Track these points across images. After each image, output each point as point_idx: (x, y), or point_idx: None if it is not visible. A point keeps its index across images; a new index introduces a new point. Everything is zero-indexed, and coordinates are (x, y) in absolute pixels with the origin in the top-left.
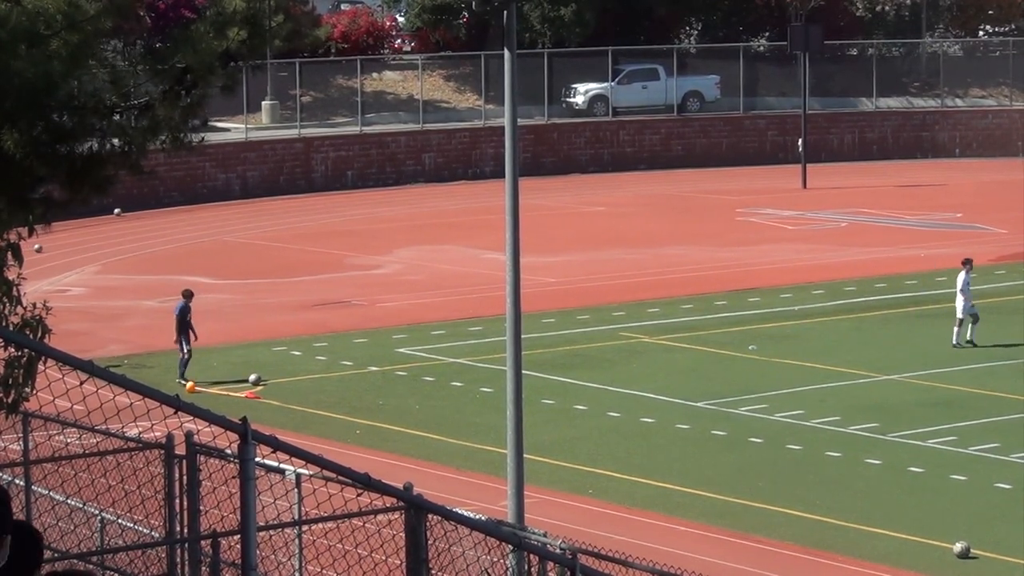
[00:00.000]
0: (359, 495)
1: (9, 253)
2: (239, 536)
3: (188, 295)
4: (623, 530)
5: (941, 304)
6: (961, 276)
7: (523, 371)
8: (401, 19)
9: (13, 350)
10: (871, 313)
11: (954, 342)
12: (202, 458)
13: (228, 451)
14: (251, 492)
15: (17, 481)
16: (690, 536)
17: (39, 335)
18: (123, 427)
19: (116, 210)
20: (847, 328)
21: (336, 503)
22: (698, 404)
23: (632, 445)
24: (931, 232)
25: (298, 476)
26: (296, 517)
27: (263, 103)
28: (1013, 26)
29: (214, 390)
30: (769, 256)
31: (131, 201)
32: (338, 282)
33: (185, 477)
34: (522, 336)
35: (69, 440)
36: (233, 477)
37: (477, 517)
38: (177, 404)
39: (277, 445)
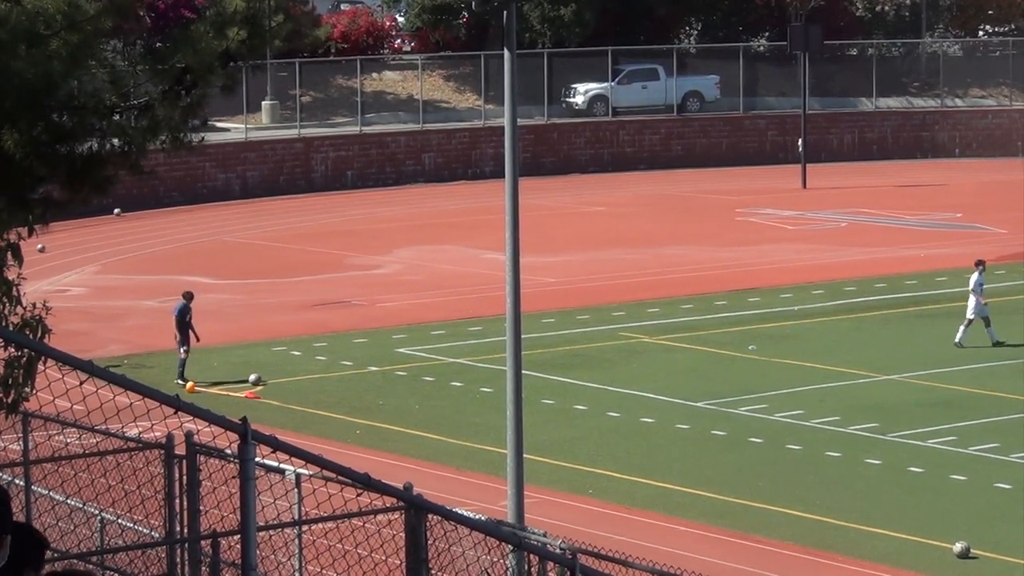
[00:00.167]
0: (359, 495)
1: (9, 253)
2: (239, 536)
3: (188, 297)
4: (623, 530)
5: (941, 304)
6: (974, 277)
7: (523, 371)
8: (401, 19)
9: (13, 350)
10: (871, 313)
11: (956, 339)
12: (202, 458)
13: (228, 451)
14: (251, 492)
15: (17, 481)
16: (690, 536)
17: (39, 335)
18: (123, 427)
19: (116, 210)
20: (847, 328)
21: (336, 503)
22: (698, 404)
23: (632, 445)
24: (931, 232)
25: (298, 476)
26: (296, 517)
27: (263, 103)
28: (1013, 26)
29: (214, 390)
30: (769, 256)
31: (131, 201)
32: (338, 282)
33: (185, 477)
34: (522, 336)
35: (69, 440)
36: (233, 477)
37: (477, 517)
38: (177, 404)
39: (277, 445)
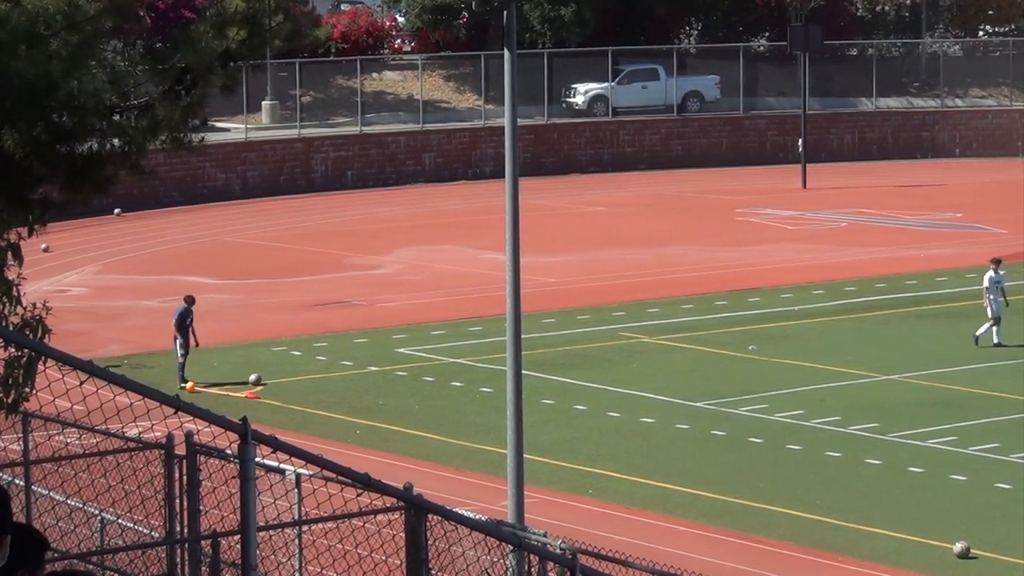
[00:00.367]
0: (359, 495)
1: (9, 253)
2: (239, 536)
3: (190, 301)
4: (623, 530)
5: (941, 304)
6: (988, 275)
7: (523, 371)
8: (401, 19)
9: (13, 350)
10: (871, 313)
11: (995, 341)
12: (202, 458)
13: (228, 451)
14: (251, 492)
15: (17, 481)
16: (690, 536)
17: (39, 335)
18: (123, 427)
19: (116, 210)
20: (847, 328)
21: (336, 503)
22: (698, 404)
23: (632, 445)
24: (931, 232)
25: (298, 476)
26: (296, 517)
27: (263, 103)
28: (1013, 26)
29: (214, 390)
30: (769, 256)
31: (131, 201)
32: (338, 282)
33: (185, 477)
34: (522, 336)
35: (69, 440)
36: (233, 477)
37: (477, 517)
38: (177, 404)
39: (277, 445)
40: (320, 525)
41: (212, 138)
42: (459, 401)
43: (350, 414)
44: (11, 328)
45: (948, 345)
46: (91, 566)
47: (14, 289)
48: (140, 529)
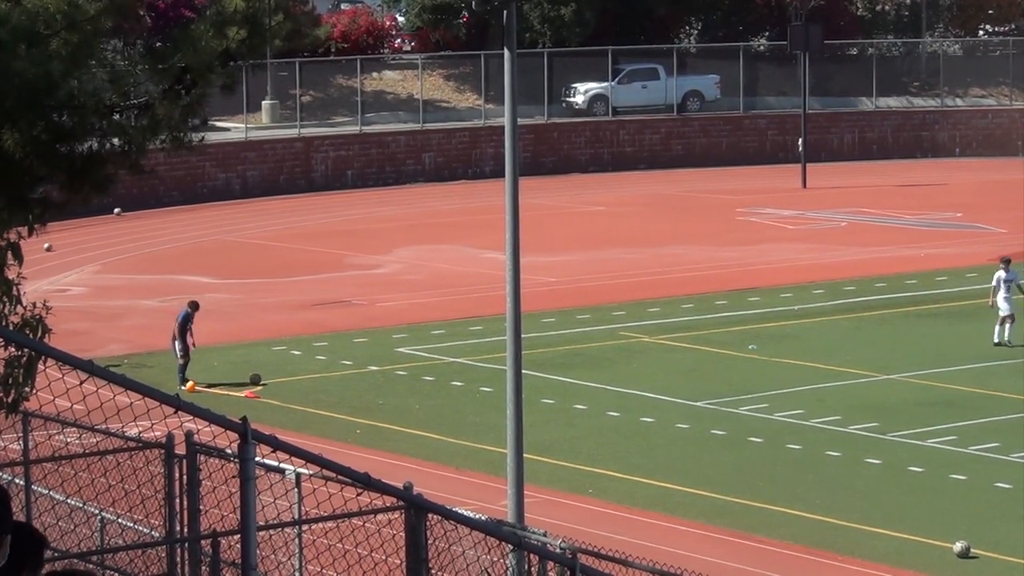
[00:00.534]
0: (359, 495)
1: (9, 253)
2: (239, 536)
3: (194, 306)
4: (623, 530)
5: (941, 304)
6: (999, 274)
7: (523, 371)
8: (401, 19)
9: (13, 349)
10: (871, 313)
11: (999, 339)
12: (202, 458)
13: (228, 451)
14: (251, 492)
15: (17, 481)
16: (690, 536)
17: (39, 335)
18: (123, 427)
19: (116, 210)
20: (847, 328)
21: (336, 503)
22: (698, 404)
23: (632, 445)
24: (931, 232)
25: (298, 476)
26: (296, 517)
27: (263, 103)
28: (1013, 26)
29: (214, 390)
30: (769, 256)
31: (131, 201)
32: (338, 282)
33: (185, 477)
34: (522, 336)
35: (69, 440)
36: (233, 477)
37: (477, 517)
38: (177, 404)
39: (277, 445)
40: (320, 524)
41: (212, 137)
42: (459, 401)
43: (350, 414)
44: (11, 328)
45: (948, 345)
46: (91, 566)
47: (14, 288)
48: (140, 529)
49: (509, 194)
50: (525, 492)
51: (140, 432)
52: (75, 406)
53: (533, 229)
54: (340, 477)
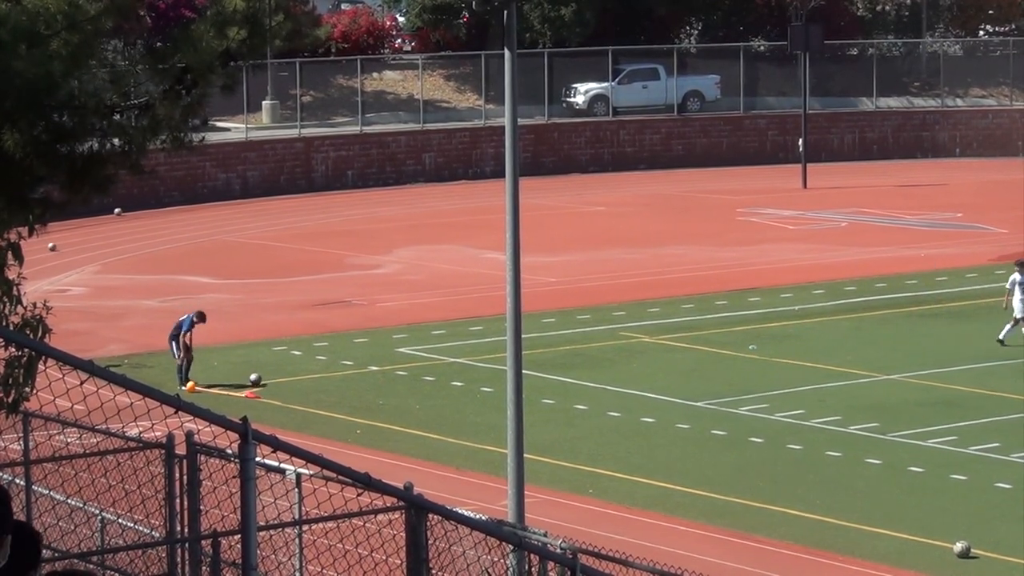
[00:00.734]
0: (359, 495)
1: (9, 253)
2: (239, 536)
3: (201, 317)
4: (623, 530)
5: (942, 304)
6: (1014, 276)
7: (523, 371)
8: (401, 19)
9: (13, 350)
10: (871, 313)
11: (1002, 336)
12: (202, 458)
13: (228, 451)
14: (251, 492)
15: (17, 481)
16: (690, 536)
17: (39, 335)
18: (123, 427)
19: (116, 210)
20: (847, 328)
21: (336, 503)
22: (698, 404)
23: (632, 445)
24: (931, 232)
25: (298, 476)
26: (296, 517)
27: (263, 103)
28: (1013, 26)
29: (214, 390)
30: (769, 256)
31: (131, 201)
32: (338, 282)
33: (185, 477)
34: (522, 336)
35: (69, 440)
36: (233, 477)
37: (477, 517)
38: (177, 404)
39: (277, 445)
40: (320, 525)
41: (212, 138)
42: (459, 401)
43: (350, 414)
44: (11, 328)
45: (948, 345)
46: (91, 566)
47: (14, 289)
48: (140, 529)
49: (509, 194)
50: (525, 492)
51: (140, 432)
52: (75, 406)
53: (533, 229)
54: (340, 477)
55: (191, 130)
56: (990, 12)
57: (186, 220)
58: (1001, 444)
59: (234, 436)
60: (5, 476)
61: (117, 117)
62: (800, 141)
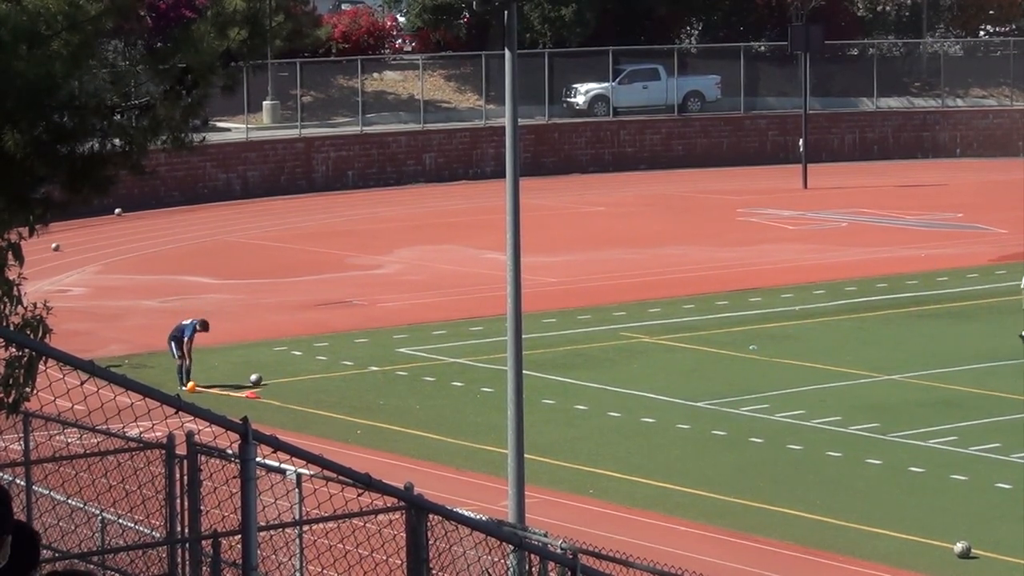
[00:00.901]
0: (360, 495)
1: (10, 253)
2: (240, 536)
3: (204, 326)
4: (623, 530)
5: (942, 304)
6: None
7: (523, 371)
8: (401, 19)
9: (14, 350)
10: (872, 313)
11: (1022, 332)
12: (203, 458)
13: (229, 451)
14: (252, 492)
15: (18, 481)
16: (690, 536)
17: (40, 335)
18: (124, 427)
19: (117, 210)
20: (848, 328)
21: (337, 503)
22: (699, 404)
23: (632, 445)
24: (932, 232)
25: (299, 476)
26: (297, 517)
27: (264, 103)
28: (1013, 26)
29: (214, 390)
30: (770, 256)
31: (132, 201)
32: (338, 282)
33: (186, 477)
34: (523, 336)
35: (70, 440)
36: (234, 477)
37: (478, 517)
38: (178, 404)
39: (278, 445)
40: (321, 525)
41: (213, 138)
42: (460, 401)
43: (350, 414)
44: (12, 328)
45: (948, 345)
46: (92, 566)
47: (15, 289)
48: (141, 529)
49: (510, 194)
50: (526, 492)
51: (141, 432)
52: (76, 406)
53: (534, 229)
54: (341, 477)
55: (192, 130)
56: (990, 12)
57: (187, 220)
58: (1001, 444)
59: (234, 436)
60: (5, 476)
61: (118, 117)
62: (800, 141)
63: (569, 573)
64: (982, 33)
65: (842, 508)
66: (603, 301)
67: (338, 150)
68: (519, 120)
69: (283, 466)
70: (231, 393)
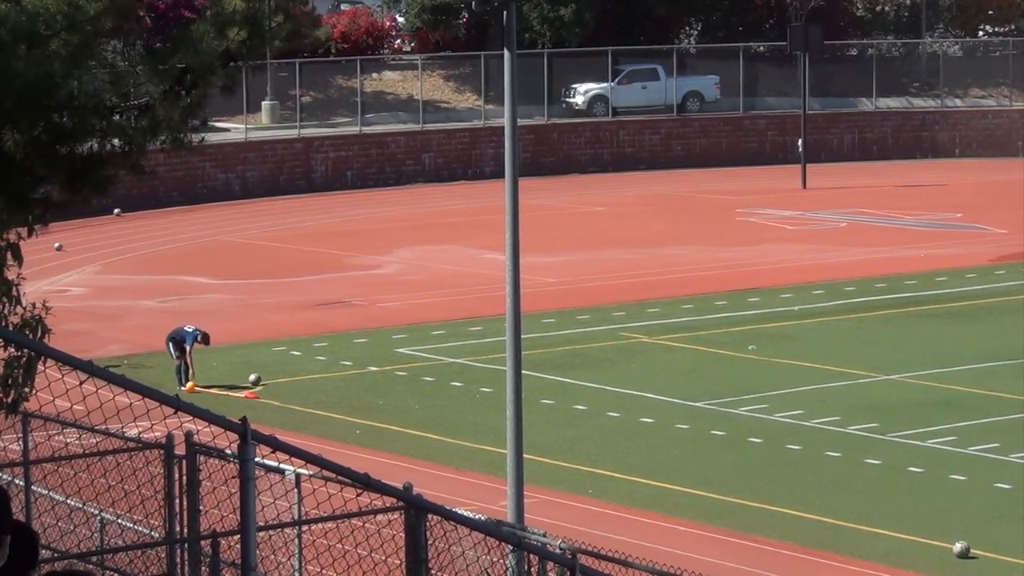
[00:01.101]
0: (359, 495)
1: (9, 253)
2: (239, 536)
3: (205, 339)
4: (623, 530)
5: (941, 304)
6: None
7: (523, 371)
8: (401, 19)
9: (13, 350)
10: (871, 313)
11: None
12: (202, 458)
13: (228, 451)
14: (251, 492)
15: (17, 481)
16: (690, 536)
17: (39, 335)
18: (123, 427)
19: (116, 210)
20: (847, 328)
21: (336, 503)
22: (698, 404)
23: (632, 445)
24: (931, 232)
25: (298, 476)
26: (296, 517)
27: (263, 103)
28: (1013, 26)
29: (214, 390)
30: (769, 256)
31: (131, 201)
32: (338, 282)
33: (185, 477)
34: (522, 336)
35: (69, 440)
36: (233, 477)
37: (477, 517)
38: (177, 404)
39: (277, 445)
40: (320, 525)
41: (212, 138)
42: (459, 401)
43: (350, 414)
44: (11, 328)
45: (947, 345)
46: (91, 566)
47: (14, 289)
48: (140, 529)
49: (509, 194)
50: (525, 492)
51: (140, 432)
52: (75, 406)
53: (533, 230)
54: (340, 477)
55: (191, 131)
56: (990, 12)
57: (186, 220)
58: (1001, 444)
59: (233, 436)
60: (5, 476)
61: (117, 118)
62: (800, 141)
63: (568, 573)
64: (981, 33)
65: (841, 508)
66: (602, 301)
67: (337, 150)
68: (518, 120)
69: (282, 466)
70: (230, 393)
